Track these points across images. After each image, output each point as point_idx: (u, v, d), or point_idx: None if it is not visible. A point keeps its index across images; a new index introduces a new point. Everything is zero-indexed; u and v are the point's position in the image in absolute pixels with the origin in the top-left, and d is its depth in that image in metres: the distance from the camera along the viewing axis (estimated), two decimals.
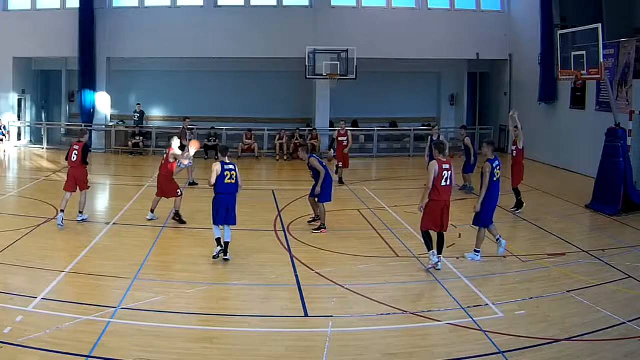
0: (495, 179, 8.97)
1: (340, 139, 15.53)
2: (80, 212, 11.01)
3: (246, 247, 9.80)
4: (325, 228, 10.71)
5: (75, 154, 10.86)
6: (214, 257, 8.88)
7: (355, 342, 6.37)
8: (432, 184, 8.31)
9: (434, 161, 8.50)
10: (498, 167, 9.03)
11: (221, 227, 8.96)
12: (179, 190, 11.12)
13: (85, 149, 10.97)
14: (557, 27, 17.83)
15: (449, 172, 8.40)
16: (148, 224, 10.99)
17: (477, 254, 9.16)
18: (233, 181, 8.90)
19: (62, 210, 10.59)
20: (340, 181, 15.34)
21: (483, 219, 9.07)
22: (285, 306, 7.37)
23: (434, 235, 8.58)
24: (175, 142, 11.32)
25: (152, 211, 11.24)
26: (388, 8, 21.98)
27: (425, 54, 21.69)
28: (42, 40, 20.76)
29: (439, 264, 8.56)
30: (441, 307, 7.27)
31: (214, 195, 8.96)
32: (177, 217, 11.09)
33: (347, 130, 15.75)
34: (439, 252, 8.57)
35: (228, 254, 8.91)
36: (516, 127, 12.55)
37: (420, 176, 15.15)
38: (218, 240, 8.98)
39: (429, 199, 8.43)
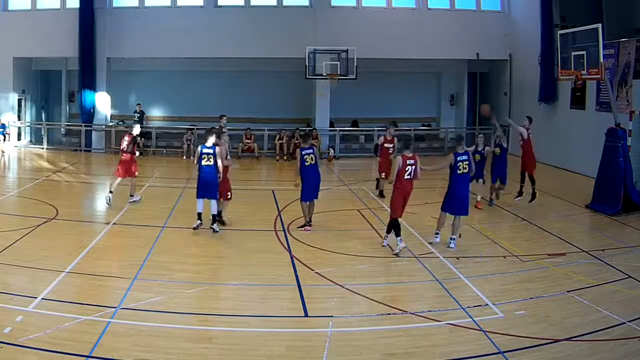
0: (459, 172, 9.55)
1: (386, 145, 13.59)
2: (131, 195, 12.42)
3: (246, 247, 9.80)
4: (310, 226, 10.72)
5: (125, 144, 12.41)
6: (193, 229, 10.27)
7: (355, 342, 6.37)
8: (397, 176, 9.22)
9: (399, 156, 9.42)
10: (465, 162, 9.56)
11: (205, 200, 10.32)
12: (229, 193, 10.73)
13: (134, 140, 12.52)
14: (557, 27, 17.82)
15: (412, 167, 9.26)
16: (148, 223, 10.98)
17: (437, 236, 9.87)
18: (210, 163, 10.16)
19: (111, 192, 12.24)
20: (381, 194, 13.67)
21: (445, 206, 9.74)
22: (285, 306, 7.37)
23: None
24: (225, 138, 10.91)
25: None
26: (388, 8, 21.97)
27: (425, 54, 21.69)
28: (42, 40, 20.76)
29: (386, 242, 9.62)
30: (441, 307, 7.27)
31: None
32: (218, 218, 10.58)
33: (394, 136, 13.72)
34: (395, 235, 9.39)
35: (215, 225, 10.28)
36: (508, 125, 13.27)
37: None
38: (199, 214, 10.30)
39: (394, 189, 9.34)
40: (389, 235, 9.59)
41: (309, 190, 10.57)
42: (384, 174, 13.29)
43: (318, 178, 10.74)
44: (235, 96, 22.78)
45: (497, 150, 12.77)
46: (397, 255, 9.20)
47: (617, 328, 6.62)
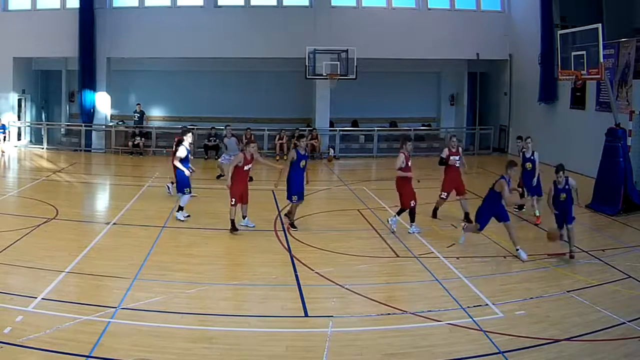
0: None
1: (452, 158, 11.47)
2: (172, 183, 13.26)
3: (246, 247, 9.80)
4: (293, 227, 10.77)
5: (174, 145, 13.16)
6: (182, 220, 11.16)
7: (355, 342, 6.37)
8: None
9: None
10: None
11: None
12: (233, 199, 10.32)
13: (178, 144, 12.36)
14: (557, 27, 17.83)
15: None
16: (148, 223, 10.97)
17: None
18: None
19: (172, 183, 13.08)
20: (467, 218, 11.27)
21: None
22: (285, 306, 7.37)
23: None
24: (250, 149, 10.46)
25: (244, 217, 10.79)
26: (388, 8, 21.99)
27: (425, 54, 21.72)
28: (42, 40, 20.76)
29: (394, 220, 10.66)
30: (441, 307, 7.27)
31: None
32: (232, 227, 10.43)
33: (459, 147, 11.72)
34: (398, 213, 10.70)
35: (177, 213, 11.24)
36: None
37: (420, 176, 15.13)
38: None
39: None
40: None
41: (291, 189, 10.74)
42: (445, 193, 11.50)
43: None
44: (235, 96, 22.81)
45: (564, 195, 9.33)
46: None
47: (617, 328, 6.62)
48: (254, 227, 10.76)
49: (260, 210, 12.30)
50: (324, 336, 6.40)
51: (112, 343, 6.06)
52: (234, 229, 10.41)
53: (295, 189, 10.61)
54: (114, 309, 6.87)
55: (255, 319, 6.93)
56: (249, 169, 10.54)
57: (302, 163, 10.62)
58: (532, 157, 11.75)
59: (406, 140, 10.90)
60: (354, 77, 20.03)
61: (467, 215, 11.29)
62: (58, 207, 11.78)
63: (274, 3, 21.93)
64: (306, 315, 7.06)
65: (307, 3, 21.92)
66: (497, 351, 6.07)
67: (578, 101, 17.79)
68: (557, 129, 18.64)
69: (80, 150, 21.47)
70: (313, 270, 8.54)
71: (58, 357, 5.68)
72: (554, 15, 18.68)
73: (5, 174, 17.41)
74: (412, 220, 10.65)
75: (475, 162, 19.90)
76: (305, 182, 10.79)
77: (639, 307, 7.22)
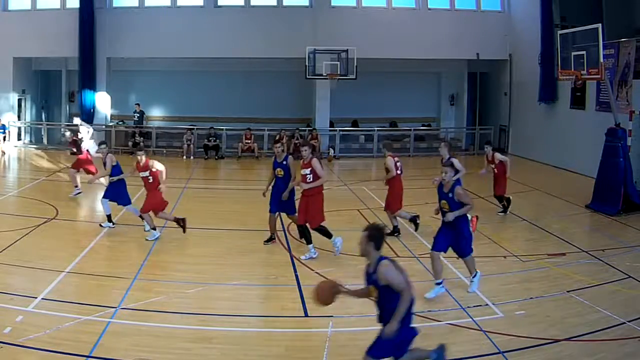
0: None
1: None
2: None
3: (246, 247, 9.79)
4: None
5: None
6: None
7: (355, 342, 6.36)
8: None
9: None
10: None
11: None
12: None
13: None
14: (557, 27, 17.84)
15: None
16: None
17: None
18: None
19: None
20: (394, 231, 10.43)
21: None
22: (285, 306, 7.37)
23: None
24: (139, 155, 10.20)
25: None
26: (388, 8, 22.00)
27: (425, 54, 21.71)
28: (42, 40, 20.77)
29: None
30: (441, 307, 7.27)
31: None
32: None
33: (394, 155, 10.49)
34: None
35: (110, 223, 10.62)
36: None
37: (420, 176, 15.16)
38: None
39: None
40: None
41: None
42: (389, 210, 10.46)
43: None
44: (235, 96, 22.84)
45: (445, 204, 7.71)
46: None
47: (617, 328, 6.62)
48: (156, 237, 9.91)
49: (260, 210, 12.29)
50: (324, 336, 6.41)
51: (112, 343, 6.06)
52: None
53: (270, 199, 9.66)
54: (114, 309, 6.87)
55: (255, 319, 6.95)
56: (145, 176, 9.95)
57: (278, 171, 9.43)
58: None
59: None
60: (354, 77, 20.03)
61: (395, 228, 10.39)
62: (58, 207, 11.78)
63: (274, 3, 21.95)
64: (306, 315, 7.06)
65: (307, 3, 21.93)
66: (497, 351, 6.07)
67: (578, 101, 17.79)
68: (557, 129, 18.65)
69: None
70: (313, 270, 8.54)
71: (58, 357, 5.68)
72: (554, 15, 18.67)
73: (5, 174, 17.40)
74: (308, 240, 9.19)
75: (475, 162, 19.88)
76: (284, 195, 9.35)
77: (639, 307, 7.22)
